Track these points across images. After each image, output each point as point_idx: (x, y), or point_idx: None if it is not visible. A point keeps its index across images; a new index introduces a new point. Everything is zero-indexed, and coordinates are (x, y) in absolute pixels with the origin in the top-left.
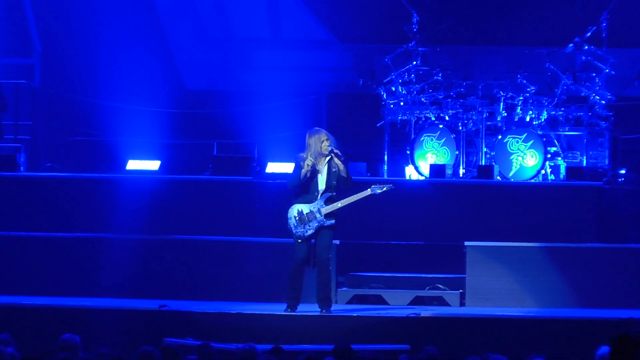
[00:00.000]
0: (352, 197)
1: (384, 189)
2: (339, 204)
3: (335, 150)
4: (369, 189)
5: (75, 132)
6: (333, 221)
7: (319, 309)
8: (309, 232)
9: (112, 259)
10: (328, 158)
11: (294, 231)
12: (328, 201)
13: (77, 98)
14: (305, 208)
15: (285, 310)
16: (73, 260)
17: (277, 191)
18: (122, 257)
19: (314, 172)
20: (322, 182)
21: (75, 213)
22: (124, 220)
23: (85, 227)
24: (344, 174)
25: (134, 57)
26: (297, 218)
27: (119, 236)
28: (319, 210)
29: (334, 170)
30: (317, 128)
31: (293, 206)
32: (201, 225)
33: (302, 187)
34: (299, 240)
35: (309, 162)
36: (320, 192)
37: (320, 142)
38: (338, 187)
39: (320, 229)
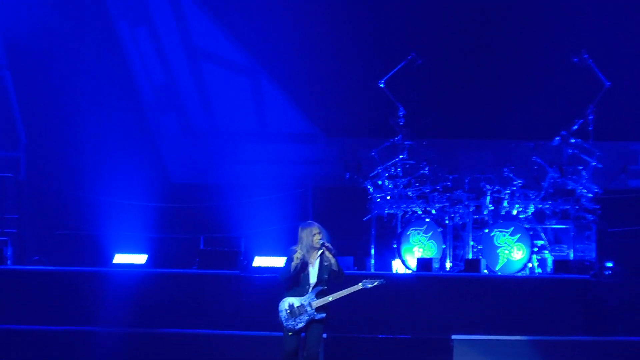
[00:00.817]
0: (343, 291)
1: (375, 283)
2: (330, 298)
3: (327, 244)
4: (360, 284)
5: (61, 226)
6: (324, 315)
7: None
8: (300, 325)
9: (99, 352)
10: (320, 252)
11: (284, 324)
12: (319, 295)
13: (63, 191)
14: (296, 301)
15: None
16: (60, 353)
17: (264, 285)
18: (109, 350)
19: (306, 265)
20: (313, 275)
21: (62, 306)
22: (111, 313)
23: (72, 320)
24: (335, 267)
25: (119, 150)
26: (287, 311)
27: (106, 329)
28: (309, 304)
29: (325, 264)
30: (309, 221)
31: (284, 299)
32: (188, 319)
33: (293, 280)
34: (290, 334)
35: (298, 255)
36: (312, 285)
37: (312, 235)
38: (329, 280)
39: (310, 322)
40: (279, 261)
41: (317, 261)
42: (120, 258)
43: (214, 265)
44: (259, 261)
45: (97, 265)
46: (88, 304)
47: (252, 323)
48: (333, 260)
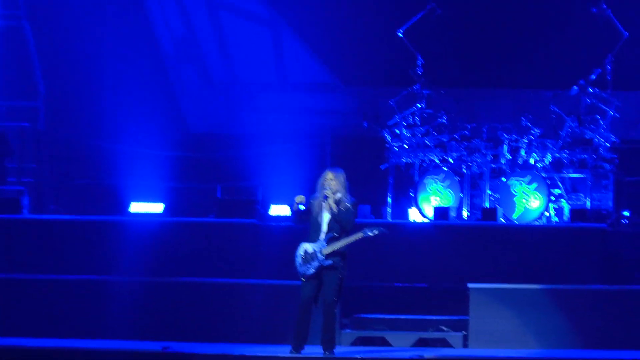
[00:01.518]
0: (345, 239)
1: (376, 232)
2: (336, 245)
3: (326, 193)
4: (360, 232)
5: (79, 175)
6: (331, 262)
7: (322, 351)
8: (310, 270)
9: (116, 301)
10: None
11: (298, 269)
12: (330, 242)
13: (81, 140)
14: (309, 247)
15: (290, 352)
16: (77, 302)
17: (281, 233)
18: (126, 299)
19: (320, 212)
20: (325, 222)
21: (79, 255)
22: (127, 262)
23: (89, 269)
24: (336, 210)
25: (138, 100)
26: (302, 257)
27: (124, 278)
28: (320, 250)
29: (336, 212)
30: (331, 168)
31: (301, 245)
32: (205, 268)
33: (310, 226)
34: (303, 279)
35: (298, 199)
36: (324, 232)
37: (323, 182)
38: (341, 228)
39: (321, 269)
40: None
41: (329, 209)
42: (137, 207)
43: (232, 214)
44: (276, 210)
45: (114, 214)
46: (105, 253)
47: (270, 271)
48: (334, 208)
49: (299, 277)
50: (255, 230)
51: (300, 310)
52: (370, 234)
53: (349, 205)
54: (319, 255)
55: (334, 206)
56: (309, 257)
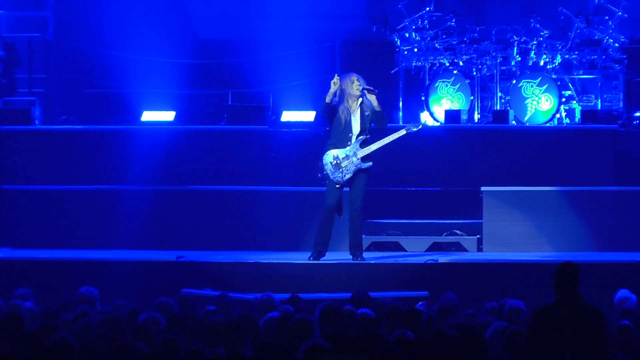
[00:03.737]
0: (387, 138)
1: (419, 127)
2: (374, 146)
3: (367, 87)
4: (403, 129)
5: (89, 85)
6: (370, 163)
7: (351, 257)
8: (347, 176)
9: (128, 210)
10: (360, 101)
11: (331, 177)
12: (363, 144)
13: (90, 50)
14: (341, 153)
15: (309, 259)
16: (89, 212)
17: (293, 140)
18: (139, 208)
19: (348, 115)
20: (355, 125)
21: (91, 165)
22: (139, 171)
23: (100, 179)
24: (377, 108)
25: (147, 7)
26: (333, 163)
27: (135, 188)
28: (354, 154)
29: (366, 113)
30: (348, 72)
31: (328, 152)
32: (217, 176)
33: (335, 132)
34: (337, 186)
35: (335, 80)
36: (355, 135)
37: (351, 84)
38: (372, 128)
39: (357, 172)
40: (307, 115)
41: (358, 110)
42: (148, 115)
43: (242, 121)
44: (287, 116)
45: (125, 123)
46: (117, 163)
47: (281, 178)
48: (375, 103)
49: (327, 184)
50: (266, 137)
51: (325, 217)
52: (414, 129)
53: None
54: (354, 159)
55: (375, 103)
56: (342, 163)
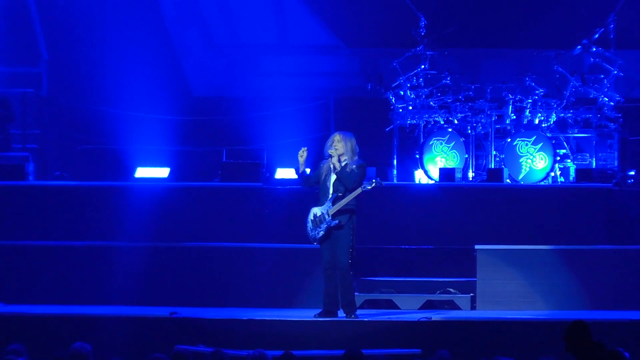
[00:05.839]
0: (347, 197)
1: (373, 184)
2: (338, 205)
3: (330, 152)
4: (359, 187)
5: (83, 141)
6: (337, 221)
7: (344, 315)
8: (320, 233)
9: (123, 266)
10: (335, 160)
11: (309, 234)
12: (335, 202)
13: (84, 106)
14: (318, 211)
15: (315, 316)
16: (84, 268)
17: (287, 197)
18: (133, 264)
19: (328, 173)
20: (331, 184)
21: (85, 221)
22: (133, 227)
23: (95, 235)
24: (337, 168)
25: (141, 64)
26: (312, 221)
27: (129, 244)
28: (327, 212)
29: (339, 169)
30: (340, 131)
31: (311, 210)
32: (211, 232)
33: (319, 190)
34: (315, 243)
35: (302, 152)
36: (330, 193)
37: (330, 144)
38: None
39: (329, 231)
40: None
41: (334, 168)
42: (142, 172)
43: (237, 178)
44: (281, 173)
45: (119, 179)
46: (111, 219)
47: (275, 235)
48: (337, 166)
49: (311, 242)
50: (260, 194)
51: (325, 276)
52: (369, 186)
53: (354, 167)
54: (326, 216)
55: (337, 164)
56: (317, 221)
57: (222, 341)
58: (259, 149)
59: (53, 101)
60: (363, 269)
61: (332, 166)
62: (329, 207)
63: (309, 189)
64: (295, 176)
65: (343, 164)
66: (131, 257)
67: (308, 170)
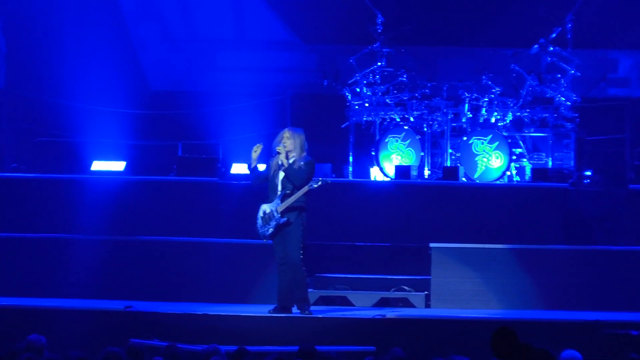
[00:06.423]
0: (295, 194)
1: (320, 182)
2: (286, 202)
3: (278, 149)
4: (306, 186)
5: (40, 133)
6: (286, 219)
7: (298, 311)
8: (270, 230)
9: (78, 259)
10: (282, 157)
11: (259, 231)
12: (284, 199)
13: (42, 99)
14: (267, 208)
15: (270, 312)
16: (39, 261)
17: (242, 192)
18: (88, 258)
19: (276, 171)
20: (279, 181)
21: (41, 214)
22: (89, 221)
23: (50, 228)
24: (285, 165)
25: (98, 58)
26: (262, 217)
27: (85, 237)
28: (276, 209)
29: (286, 165)
30: (288, 128)
31: (261, 207)
32: (166, 226)
33: (268, 187)
34: (265, 240)
35: (255, 148)
36: (279, 191)
37: (279, 140)
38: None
39: (279, 228)
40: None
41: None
42: (98, 165)
43: (192, 172)
44: (237, 168)
45: (75, 172)
46: (67, 212)
47: (230, 230)
48: (285, 163)
49: (262, 239)
50: (216, 189)
51: (279, 272)
52: (315, 185)
53: (301, 164)
54: (275, 214)
55: (284, 161)
56: (267, 218)
57: (177, 335)
58: (215, 143)
59: (11, 93)
60: (318, 265)
61: (279, 163)
62: (278, 204)
63: (260, 186)
64: (248, 172)
65: (291, 160)
66: (87, 251)
67: (260, 167)
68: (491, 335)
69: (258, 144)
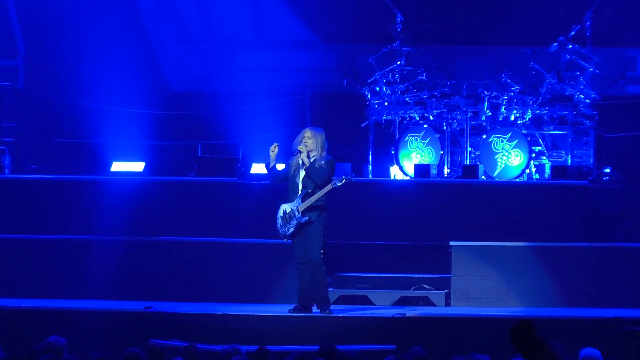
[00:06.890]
0: (317, 193)
1: (343, 181)
2: (308, 201)
3: (299, 148)
4: (329, 184)
5: (59, 134)
6: (307, 218)
7: (318, 310)
8: (290, 230)
9: (98, 260)
10: (303, 155)
11: (279, 231)
12: (305, 198)
13: (61, 100)
14: (287, 207)
15: (290, 311)
16: (59, 262)
17: (262, 192)
18: (108, 258)
19: (297, 169)
20: (300, 180)
21: (60, 215)
22: (109, 222)
23: (70, 229)
24: (307, 164)
25: (117, 59)
26: (282, 217)
27: (104, 238)
28: (296, 208)
29: (307, 164)
30: (309, 127)
31: (281, 206)
32: (186, 227)
33: (289, 186)
34: (285, 239)
35: (273, 148)
36: (300, 190)
37: (299, 140)
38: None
39: (299, 227)
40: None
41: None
42: (117, 166)
43: (212, 173)
44: (257, 168)
45: (94, 173)
46: (86, 213)
47: (250, 230)
48: (306, 162)
49: (282, 238)
50: (235, 189)
51: (298, 271)
52: (339, 183)
53: (322, 163)
54: (295, 213)
55: (305, 160)
56: (287, 217)
57: (197, 336)
58: (234, 143)
59: (29, 94)
60: (338, 264)
61: (300, 162)
62: (299, 203)
63: (279, 185)
64: (266, 171)
65: (312, 159)
66: (107, 251)
67: (279, 166)
68: (511, 328)
69: (275, 144)
